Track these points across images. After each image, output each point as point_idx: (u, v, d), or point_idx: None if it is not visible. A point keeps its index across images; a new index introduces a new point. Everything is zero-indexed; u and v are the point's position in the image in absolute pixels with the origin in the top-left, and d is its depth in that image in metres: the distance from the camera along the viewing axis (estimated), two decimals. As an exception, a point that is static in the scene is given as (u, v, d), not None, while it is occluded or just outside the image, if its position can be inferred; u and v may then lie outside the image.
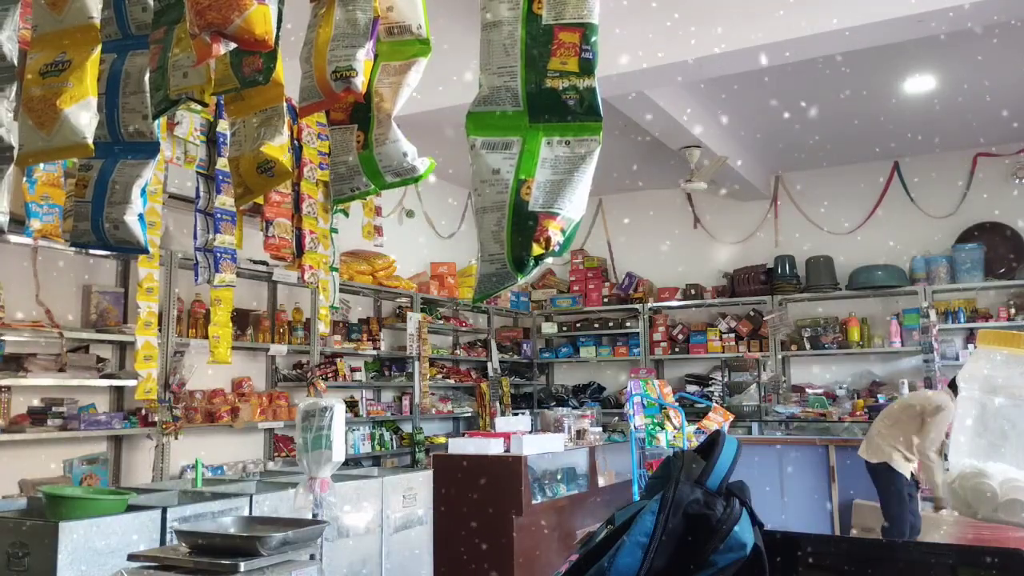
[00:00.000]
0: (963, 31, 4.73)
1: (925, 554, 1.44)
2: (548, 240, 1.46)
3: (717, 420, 4.92)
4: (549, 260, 1.55)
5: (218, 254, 4.28)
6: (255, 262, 5.42)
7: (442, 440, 6.99)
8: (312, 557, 2.35)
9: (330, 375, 6.18)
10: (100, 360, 4.63)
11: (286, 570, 2.15)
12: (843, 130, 7.10)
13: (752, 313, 8.23)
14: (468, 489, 4.69)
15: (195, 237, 4.30)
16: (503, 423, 5.32)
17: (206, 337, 4.67)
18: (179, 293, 4.90)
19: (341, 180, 2.04)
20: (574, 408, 6.78)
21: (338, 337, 6.40)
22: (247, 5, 1.48)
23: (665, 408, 4.92)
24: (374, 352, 6.81)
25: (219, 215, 4.28)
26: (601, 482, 5.48)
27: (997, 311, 7.27)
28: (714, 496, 1.38)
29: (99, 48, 1.85)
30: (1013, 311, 7.16)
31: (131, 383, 4.41)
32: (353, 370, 6.57)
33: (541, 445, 4.88)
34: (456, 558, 4.58)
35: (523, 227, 1.48)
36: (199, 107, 3.91)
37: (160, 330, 4.34)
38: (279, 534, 2.15)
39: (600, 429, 5.80)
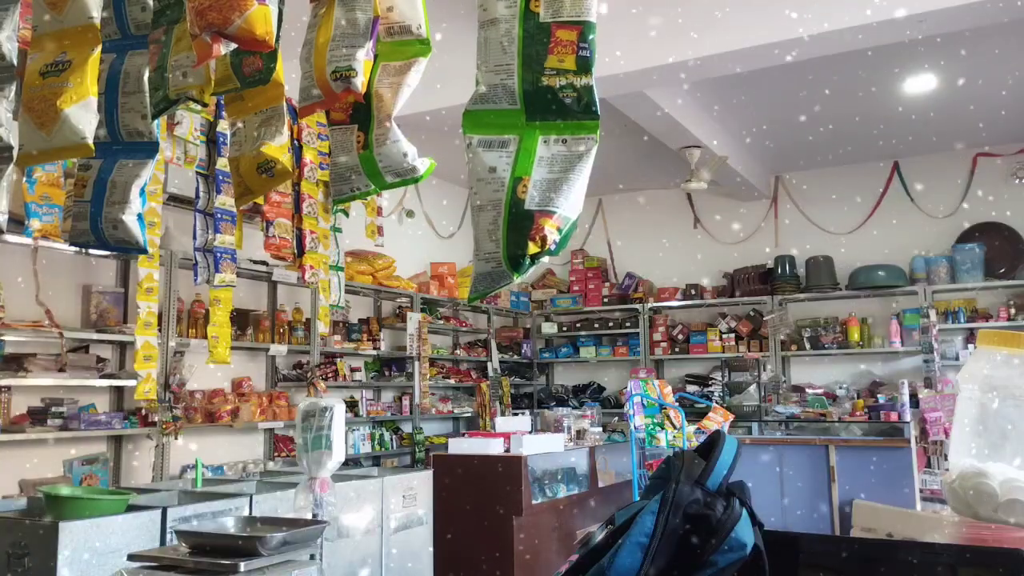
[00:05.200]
0: (963, 31, 4.73)
1: (925, 554, 1.44)
2: (544, 239, 1.46)
3: (717, 420, 4.91)
4: (545, 259, 1.54)
5: (218, 254, 4.28)
6: (255, 262, 5.42)
7: (442, 440, 6.99)
8: (312, 557, 2.35)
9: (330, 375, 6.18)
10: (100, 360, 4.63)
11: (286, 570, 2.15)
12: (843, 130, 7.10)
13: (752, 313, 8.23)
14: (468, 489, 4.69)
15: (195, 237, 4.30)
16: (503, 423, 5.32)
17: (206, 337, 4.67)
18: (179, 293, 4.90)
19: (341, 180, 2.04)
20: (574, 408, 6.77)
21: (338, 337, 6.40)
22: (247, 5, 1.48)
23: (665, 408, 4.92)
24: (374, 352, 6.80)
25: (219, 215, 4.28)
26: (601, 482, 5.48)
27: (997, 311, 7.27)
28: (714, 496, 1.38)
29: (99, 48, 1.84)
30: (1013, 311, 7.15)
31: (131, 383, 4.41)
32: (353, 370, 6.57)
33: (541, 445, 4.88)
34: (456, 558, 4.58)
35: (519, 225, 1.48)
36: (199, 107, 3.92)
37: (160, 330, 4.34)
38: (279, 534, 2.15)
39: (600, 429, 5.80)
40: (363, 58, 1.82)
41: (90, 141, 1.76)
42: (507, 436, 4.84)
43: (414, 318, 6.87)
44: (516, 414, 7.28)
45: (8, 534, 2.54)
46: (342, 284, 5.22)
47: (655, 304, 8.55)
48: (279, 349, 5.74)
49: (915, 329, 7.23)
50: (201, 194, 4.31)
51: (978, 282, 7.35)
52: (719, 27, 4.71)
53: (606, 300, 8.85)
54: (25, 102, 1.80)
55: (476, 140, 1.56)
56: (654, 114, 5.97)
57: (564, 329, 9.04)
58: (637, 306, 8.59)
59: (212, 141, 4.26)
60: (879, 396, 7.08)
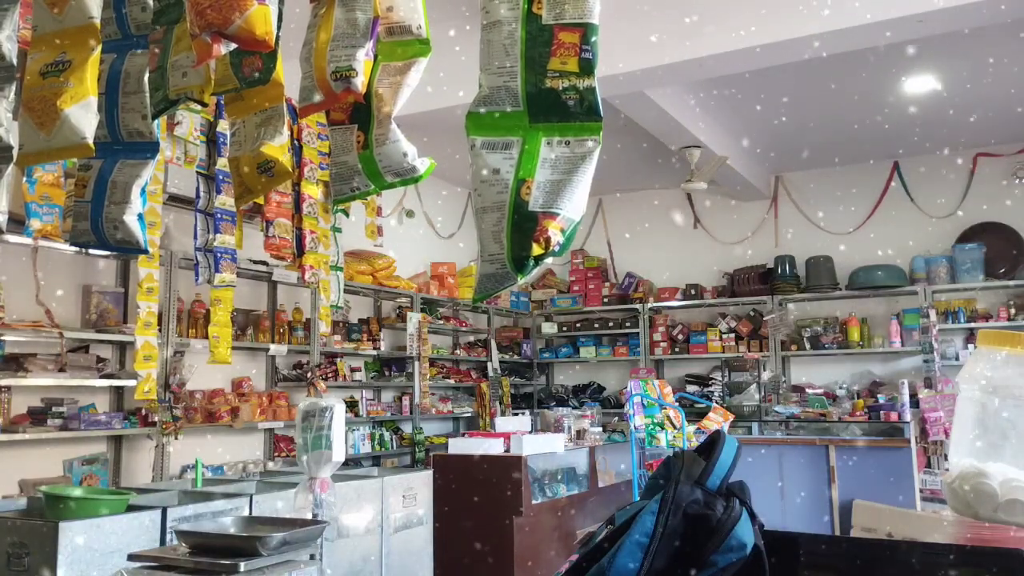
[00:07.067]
0: (963, 31, 4.73)
1: (925, 554, 1.44)
2: (548, 240, 1.46)
3: (717, 420, 4.91)
4: (549, 260, 1.54)
5: (218, 254, 4.28)
6: (255, 262, 5.42)
7: (442, 440, 6.99)
8: (312, 557, 2.35)
9: (330, 375, 6.18)
10: (100, 360, 4.63)
11: (286, 570, 2.15)
12: (843, 130, 7.10)
13: (752, 313, 8.23)
14: (468, 489, 4.69)
15: (195, 237, 4.30)
16: (503, 423, 5.32)
17: (206, 337, 4.67)
18: (179, 293, 4.90)
19: (341, 180, 2.04)
20: (574, 408, 6.77)
21: (338, 337, 6.40)
22: (247, 5, 1.48)
23: (665, 408, 4.92)
24: (374, 352, 6.81)
25: (219, 215, 4.28)
26: (601, 482, 5.48)
27: (997, 311, 7.27)
28: (714, 496, 1.38)
29: (99, 48, 1.84)
30: (1013, 311, 7.16)
31: (131, 383, 4.41)
32: (353, 370, 6.57)
33: (541, 445, 4.88)
34: (456, 558, 4.58)
35: (523, 227, 1.48)
36: (199, 107, 3.91)
37: (160, 330, 4.34)
38: (279, 534, 2.15)
39: (600, 429, 5.80)
40: (363, 58, 1.82)
41: (90, 141, 1.76)
42: (507, 436, 4.84)
43: (414, 318, 6.87)
44: (516, 414, 7.28)
45: (8, 534, 2.54)
46: (341, 284, 5.23)
47: (655, 304, 8.55)
48: (279, 349, 5.74)
49: (915, 329, 7.23)
50: (201, 194, 4.31)
51: (978, 282, 7.35)
52: (719, 27, 4.71)
53: (606, 300, 8.85)
54: (25, 102, 1.80)
55: (479, 142, 1.56)
56: (654, 114, 5.97)
57: (564, 329, 9.03)
58: (637, 306, 8.59)
59: (212, 141, 4.26)
60: (879, 396, 7.08)
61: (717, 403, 6.17)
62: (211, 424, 5.08)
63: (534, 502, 4.72)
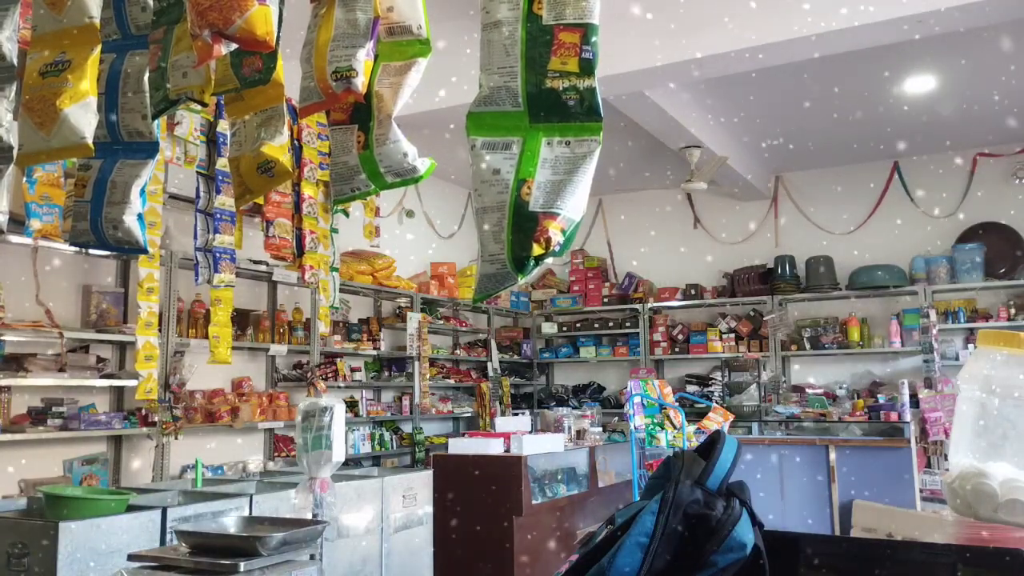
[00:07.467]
0: (964, 31, 4.74)
1: (925, 554, 1.44)
2: (548, 240, 1.46)
3: (717, 420, 4.91)
4: (549, 260, 1.54)
5: (218, 254, 4.28)
6: (255, 262, 5.42)
7: (442, 440, 6.99)
8: (312, 557, 2.35)
9: (330, 375, 6.18)
10: (100, 360, 4.63)
11: (286, 570, 2.15)
12: (843, 130, 7.10)
13: (752, 313, 8.23)
14: (468, 489, 4.69)
15: (195, 237, 4.30)
16: (503, 423, 5.32)
17: (206, 337, 4.67)
18: (179, 293, 4.90)
19: (341, 180, 2.04)
20: (574, 408, 6.77)
21: (338, 337, 6.40)
22: (248, 6, 1.49)
23: (665, 408, 4.92)
24: (374, 352, 6.81)
25: (219, 215, 4.28)
26: (601, 482, 5.48)
27: (997, 311, 7.27)
28: (714, 496, 1.38)
29: (99, 48, 1.84)
30: (1013, 311, 7.16)
31: (131, 383, 4.41)
32: (353, 370, 6.57)
33: (541, 445, 4.88)
34: (456, 558, 4.58)
35: (523, 227, 1.48)
36: (199, 107, 3.91)
37: (160, 330, 4.34)
38: (279, 534, 2.15)
39: (600, 429, 5.80)
40: (363, 58, 1.82)
41: (90, 141, 1.76)
42: (507, 436, 4.84)
43: (414, 318, 6.87)
44: (516, 414, 7.28)
45: (8, 534, 2.54)
46: (336, 285, 5.22)
47: (655, 304, 8.55)
48: (279, 349, 5.74)
49: (915, 329, 7.23)
50: (201, 194, 4.31)
51: (978, 282, 7.35)
52: (719, 27, 4.71)
53: (606, 300, 8.85)
54: (25, 102, 1.80)
55: (480, 142, 1.56)
56: (654, 114, 5.97)
57: (564, 329, 9.03)
58: (637, 306, 8.59)
59: (212, 141, 4.26)
60: (879, 396, 7.07)
61: (717, 403, 6.18)
62: (211, 424, 5.08)
63: (534, 502, 4.72)
